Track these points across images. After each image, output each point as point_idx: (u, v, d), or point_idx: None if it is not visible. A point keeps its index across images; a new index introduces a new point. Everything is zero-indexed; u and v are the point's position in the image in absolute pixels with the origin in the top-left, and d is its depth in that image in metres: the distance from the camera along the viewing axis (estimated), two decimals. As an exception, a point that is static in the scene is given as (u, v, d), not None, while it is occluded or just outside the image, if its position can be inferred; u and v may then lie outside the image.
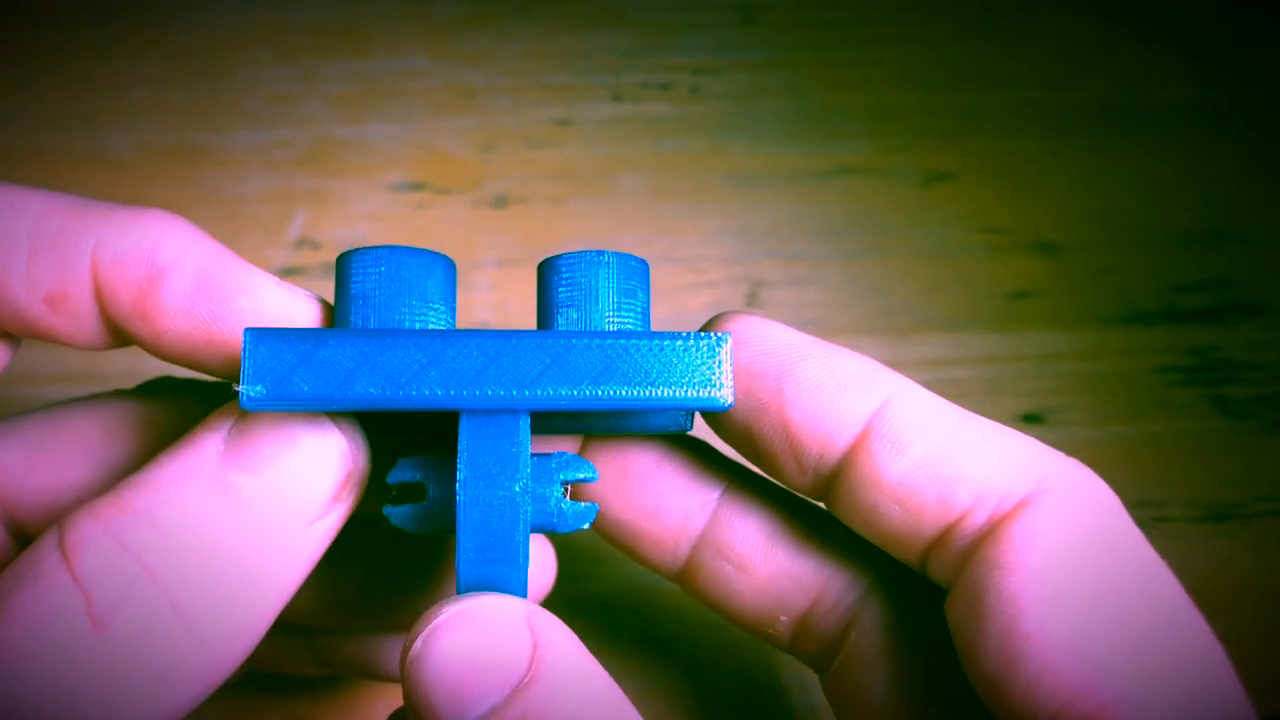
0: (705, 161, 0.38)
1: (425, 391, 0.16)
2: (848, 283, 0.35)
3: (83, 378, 0.31)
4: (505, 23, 0.42)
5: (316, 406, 0.16)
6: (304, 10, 0.42)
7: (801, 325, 0.19)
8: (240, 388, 0.16)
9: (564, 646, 0.16)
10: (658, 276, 0.33)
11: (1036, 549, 0.16)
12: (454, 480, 0.17)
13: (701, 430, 0.20)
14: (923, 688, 0.19)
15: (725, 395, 0.17)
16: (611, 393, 0.17)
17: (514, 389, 0.16)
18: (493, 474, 0.16)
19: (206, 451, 0.17)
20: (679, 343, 0.17)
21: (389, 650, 0.23)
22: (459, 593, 0.16)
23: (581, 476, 0.18)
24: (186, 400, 0.20)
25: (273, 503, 0.17)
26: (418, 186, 0.37)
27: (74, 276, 0.17)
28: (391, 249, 0.18)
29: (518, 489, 0.16)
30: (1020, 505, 0.17)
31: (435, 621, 0.16)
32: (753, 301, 0.34)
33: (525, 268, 0.35)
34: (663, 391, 0.17)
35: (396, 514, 0.18)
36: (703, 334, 0.17)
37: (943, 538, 0.17)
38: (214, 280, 0.17)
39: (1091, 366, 0.33)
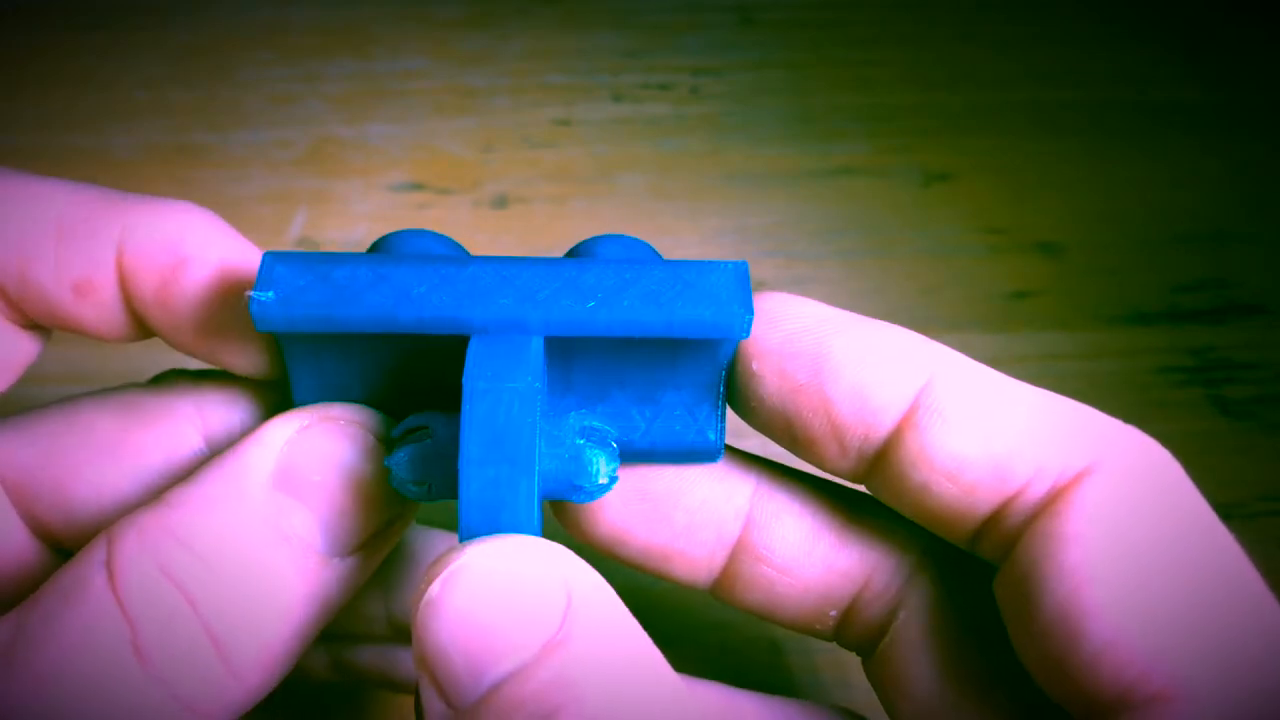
0: (705, 161, 0.38)
1: (435, 305, 0.16)
2: (848, 283, 0.35)
3: (97, 378, 0.31)
4: (505, 23, 0.42)
5: (325, 322, 0.16)
6: (305, 11, 0.42)
7: (800, 325, 0.19)
8: (251, 294, 0.16)
9: (599, 595, 0.14)
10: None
11: (1097, 520, 0.15)
12: (460, 419, 0.15)
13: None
14: (970, 666, 0.18)
15: (745, 319, 0.16)
16: (628, 311, 0.16)
17: (526, 305, 0.16)
18: (502, 371, 0.15)
19: (256, 472, 0.16)
20: (699, 267, 0.16)
21: (408, 660, 0.23)
22: (460, 493, 0.15)
23: (601, 426, 0.17)
24: (201, 393, 0.19)
25: (319, 532, 0.16)
26: (418, 186, 0.37)
27: (100, 265, 0.17)
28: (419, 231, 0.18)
29: (529, 379, 0.15)
30: (1080, 476, 0.16)
31: (456, 563, 0.14)
32: (753, 301, 0.34)
33: (525, 268, 0.35)
34: (682, 312, 0.16)
35: (397, 461, 0.16)
36: (723, 261, 0.17)
37: (998, 513, 0.16)
38: (234, 272, 0.17)
39: (1091, 366, 0.33)
